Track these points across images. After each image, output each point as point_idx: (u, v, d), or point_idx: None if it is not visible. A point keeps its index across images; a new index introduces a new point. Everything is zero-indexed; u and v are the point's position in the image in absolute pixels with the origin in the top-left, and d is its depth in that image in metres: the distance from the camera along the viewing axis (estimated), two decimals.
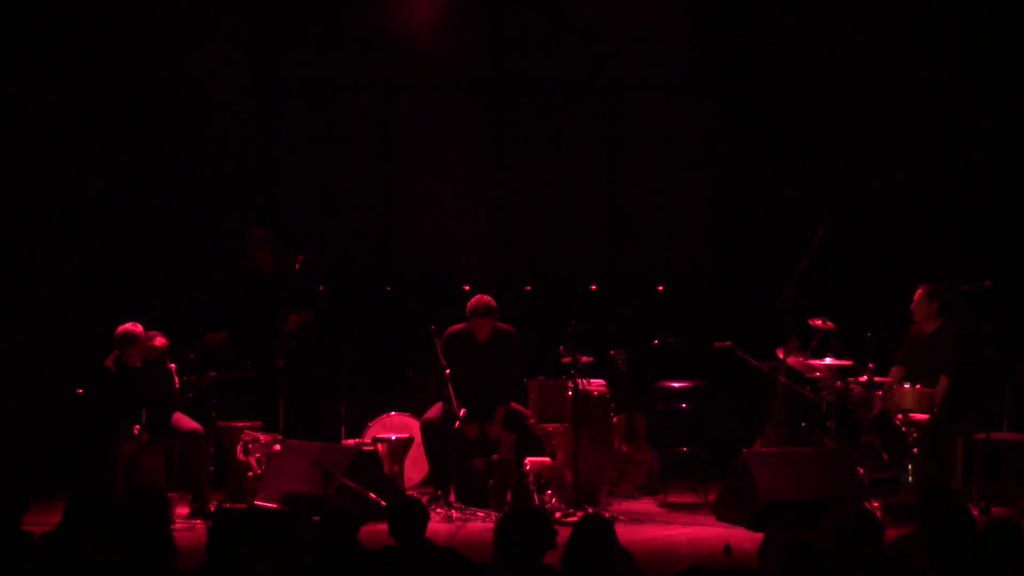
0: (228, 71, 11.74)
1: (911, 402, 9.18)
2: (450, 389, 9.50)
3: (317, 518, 5.92)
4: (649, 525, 9.14)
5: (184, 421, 9.45)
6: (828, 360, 9.59)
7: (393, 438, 9.88)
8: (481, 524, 9.10)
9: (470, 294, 10.11)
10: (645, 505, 9.91)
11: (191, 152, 11.83)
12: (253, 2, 11.93)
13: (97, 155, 11.45)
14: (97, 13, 11.37)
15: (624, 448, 10.28)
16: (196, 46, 11.57)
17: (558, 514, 9.00)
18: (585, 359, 9.56)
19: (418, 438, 9.95)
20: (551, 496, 9.24)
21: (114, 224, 11.51)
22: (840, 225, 10.28)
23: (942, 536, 5.40)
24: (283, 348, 10.26)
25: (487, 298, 9.95)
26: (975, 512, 7.71)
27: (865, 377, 9.43)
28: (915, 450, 9.11)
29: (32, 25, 11.27)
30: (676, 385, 10.89)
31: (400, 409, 10.48)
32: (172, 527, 8.11)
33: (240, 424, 9.84)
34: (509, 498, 9.35)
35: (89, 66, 11.39)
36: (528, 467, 9.32)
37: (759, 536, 5.45)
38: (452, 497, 9.40)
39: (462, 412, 9.50)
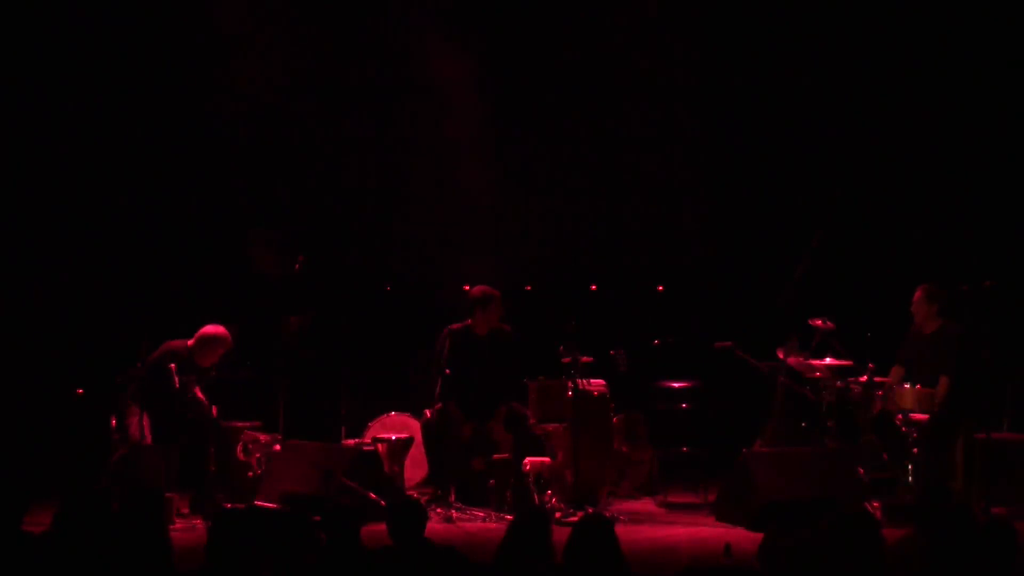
0: (230, 71, 11.75)
1: (911, 402, 9.18)
2: (439, 386, 9.56)
3: (317, 518, 5.92)
4: (649, 525, 9.13)
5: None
6: (828, 360, 9.58)
7: (393, 438, 9.88)
8: (481, 524, 9.10)
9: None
10: (645, 505, 9.91)
11: (191, 152, 11.82)
12: (258, 4, 11.91)
13: (98, 155, 11.46)
14: (103, 15, 11.38)
15: (624, 448, 10.27)
16: (200, 45, 11.58)
17: (558, 514, 8.99)
18: (585, 359, 9.56)
19: (418, 438, 9.96)
20: (551, 496, 9.24)
21: (114, 224, 11.51)
22: (840, 225, 10.28)
23: (941, 537, 5.40)
24: (284, 349, 10.25)
25: (491, 288, 9.97)
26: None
27: (865, 377, 9.42)
28: (915, 450, 9.11)
29: (49, 21, 11.30)
30: (676, 385, 10.89)
31: (400, 409, 10.49)
32: (171, 527, 8.14)
33: (240, 424, 9.84)
34: (509, 498, 9.36)
35: (89, 68, 11.39)
36: (528, 467, 9.31)
37: (759, 536, 5.43)
38: (452, 497, 9.40)
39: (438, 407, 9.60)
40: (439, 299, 11.28)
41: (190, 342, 9.52)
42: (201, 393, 9.46)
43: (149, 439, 9.25)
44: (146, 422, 9.27)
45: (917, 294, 9.71)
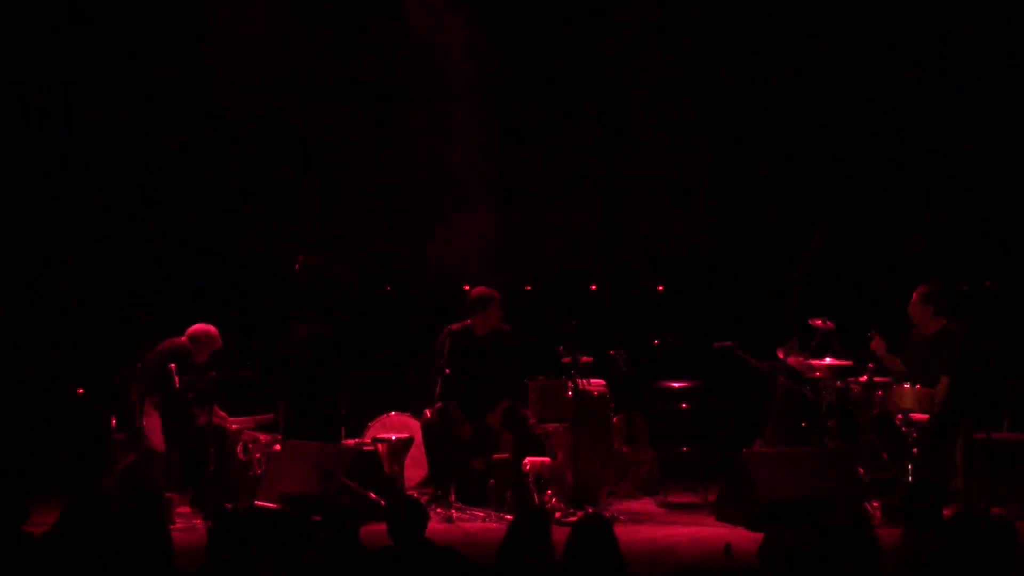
0: (233, 70, 11.74)
1: (911, 402, 9.19)
2: (439, 386, 9.56)
3: (317, 518, 5.93)
4: (649, 525, 9.13)
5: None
6: (828, 360, 9.58)
7: (393, 438, 9.87)
8: (481, 524, 9.10)
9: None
10: (645, 505, 9.91)
11: (192, 152, 11.82)
12: (258, 3, 11.90)
13: (98, 154, 11.46)
14: (101, 10, 11.38)
15: (624, 448, 10.27)
16: (203, 44, 11.57)
17: (558, 514, 8.99)
18: (585, 359, 9.56)
19: (418, 438, 9.96)
20: (551, 496, 9.24)
21: (114, 223, 11.51)
22: (840, 225, 10.28)
23: (930, 536, 5.40)
24: (290, 355, 10.24)
25: (491, 290, 9.97)
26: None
27: (865, 377, 9.43)
28: (915, 450, 9.11)
29: (46, 16, 11.30)
30: (676, 385, 10.89)
31: (400, 409, 10.49)
32: (171, 527, 8.15)
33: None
34: (509, 498, 9.36)
35: (90, 67, 11.39)
36: (528, 467, 9.32)
37: (759, 536, 5.44)
38: (452, 497, 9.41)
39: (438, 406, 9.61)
40: (438, 299, 11.28)
41: (183, 339, 9.54)
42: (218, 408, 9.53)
43: (163, 446, 9.27)
44: (157, 425, 9.27)
45: (914, 296, 9.72)
